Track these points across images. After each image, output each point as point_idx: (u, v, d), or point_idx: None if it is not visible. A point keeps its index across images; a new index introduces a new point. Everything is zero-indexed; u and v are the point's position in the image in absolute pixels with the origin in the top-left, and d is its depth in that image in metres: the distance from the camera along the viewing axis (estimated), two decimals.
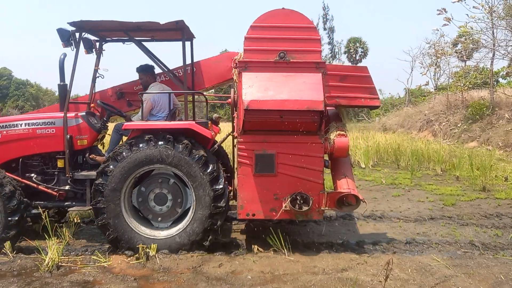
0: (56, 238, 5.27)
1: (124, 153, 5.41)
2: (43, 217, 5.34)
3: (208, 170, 5.41)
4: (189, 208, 5.60)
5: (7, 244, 5.44)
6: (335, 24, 54.96)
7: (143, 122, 5.92)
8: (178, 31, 5.93)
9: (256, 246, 5.65)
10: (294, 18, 5.49)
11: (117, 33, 6.30)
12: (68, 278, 4.73)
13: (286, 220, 6.75)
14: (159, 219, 5.66)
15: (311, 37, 5.49)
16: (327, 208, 5.45)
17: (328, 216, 7.61)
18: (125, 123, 6.00)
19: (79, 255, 5.42)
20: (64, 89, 6.16)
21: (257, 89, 5.24)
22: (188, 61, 6.44)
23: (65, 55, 6.01)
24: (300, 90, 5.20)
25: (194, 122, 5.66)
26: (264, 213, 5.49)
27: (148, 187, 5.62)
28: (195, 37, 6.61)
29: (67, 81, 6.10)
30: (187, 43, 6.44)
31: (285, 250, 5.51)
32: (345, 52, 51.46)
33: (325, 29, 50.80)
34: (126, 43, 6.39)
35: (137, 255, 5.28)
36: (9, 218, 5.53)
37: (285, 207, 5.35)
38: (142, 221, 5.68)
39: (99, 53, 6.61)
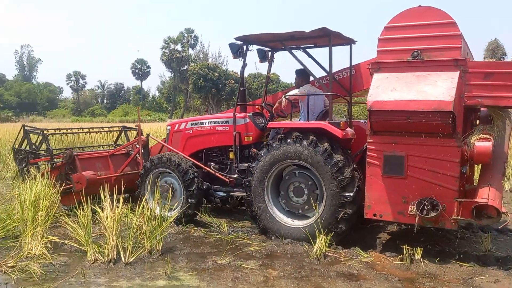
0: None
1: (263, 152, 6.17)
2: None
3: (333, 162, 5.59)
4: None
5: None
6: None
7: (285, 121, 6.59)
8: (326, 37, 6.14)
9: None
10: (431, 15, 5.20)
11: (292, 42, 6.77)
12: (334, 268, 5.02)
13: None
14: (283, 201, 6.22)
15: (450, 33, 5.11)
16: (459, 217, 4.97)
17: None
18: (270, 122, 6.74)
19: (344, 248, 5.64)
20: (243, 94, 7.34)
21: (383, 89, 5.20)
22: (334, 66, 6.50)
23: (245, 65, 7.00)
24: (429, 90, 4.96)
25: (327, 122, 5.88)
26: (392, 215, 5.38)
27: (289, 180, 6.17)
28: (355, 41, 6.75)
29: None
30: (347, 47, 6.82)
31: None
32: None
33: None
34: (294, 51, 6.91)
35: (400, 256, 5.21)
36: (188, 200, 6.87)
37: (411, 211, 5.12)
38: (283, 210, 6.26)
39: (271, 61, 7.47)
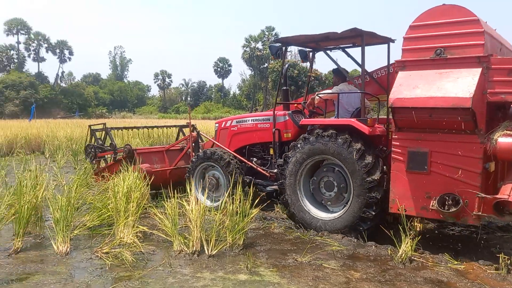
0: (409, 231, 5.34)
1: (299, 145, 6.48)
2: (400, 210, 5.51)
3: (364, 162, 5.82)
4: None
5: (362, 233, 5.96)
6: None
7: (318, 118, 7.05)
8: (358, 37, 6.46)
9: None
10: (454, 12, 5.24)
11: (327, 42, 7.15)
12: (421, 274, 4.79)
13: None
14: (328, 203, 6.46)
15: (472, 31, 5.12)
16: (480, 213, 4.99)
17: None
18: (302, 119, 7.08)
19: (431, 253, 5.38)
20: (285, 93, 7.83)
21: (405, 87, 5.34)
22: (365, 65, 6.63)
23: (289, 65, 7.01)
24: (449, 87, 5.03)
25: (355, 119, 6.11)
26: (416, 210, 5.48)
27: (319, 175, 6.48)
28: (393, 40, 6.80)
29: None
30: (385, 46, 6.93)
31: None
32: None
33: None
34: (332, 51, 7.39)
35: (496, 265, 4.90)
36: (232, 182, 7.22)
37: (432, 206, 5.22)
38: (314, 203, 6.60)
39: (312, 61, 7.94)
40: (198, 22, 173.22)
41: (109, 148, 9.34)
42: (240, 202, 5.80)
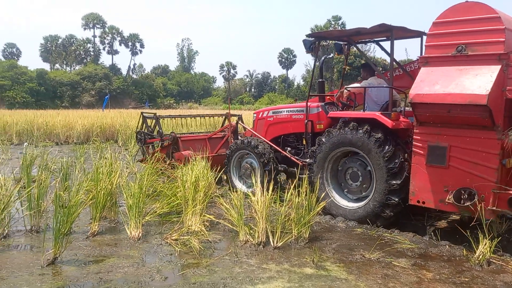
0: (488, 232, 5.00)
1: (323, 138, 6.81)
2: (478, 209, 5.18)
3: (384, 151, 6.03)
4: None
5: (435, 232, 5.69)
6: None
7: (343, 111, 7.14)
8: (387, 32, 6.69)
9: None
10: (476, 10, 5.25)
11: (358, 37, 7.43)
12: (500, 277, 4.53)
13: None
14: (362, 191, 6.58)
15: (493, 28, 5.11)
16: (495, 208, 5.08)
17: None
18: (330, 112, 7.18)
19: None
20: (321, 85, 7.95)
21: (426, 83, 5.41)
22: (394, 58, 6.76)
23: (325, 57, 7.28)
24: (467, 83, 5.07)
25: (379, 113, 6.27)
26: (434, 202, 5.61)
27: (344, 165, 6.77)
28: (426, 33, 6.41)
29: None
30: (418, 40, 7.06)
31: None
32: None
33: None
34: (367, 44, 7.73)
35: None
36: (265, 169, 7.70)
37: (448, 199, 5.33)
38: (340, 192, 6.89)
39: (347, 54, 8.14)
40: (263, 13, 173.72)
41: (157, 135, 9.97)
42: (306, 195, 5.74)
